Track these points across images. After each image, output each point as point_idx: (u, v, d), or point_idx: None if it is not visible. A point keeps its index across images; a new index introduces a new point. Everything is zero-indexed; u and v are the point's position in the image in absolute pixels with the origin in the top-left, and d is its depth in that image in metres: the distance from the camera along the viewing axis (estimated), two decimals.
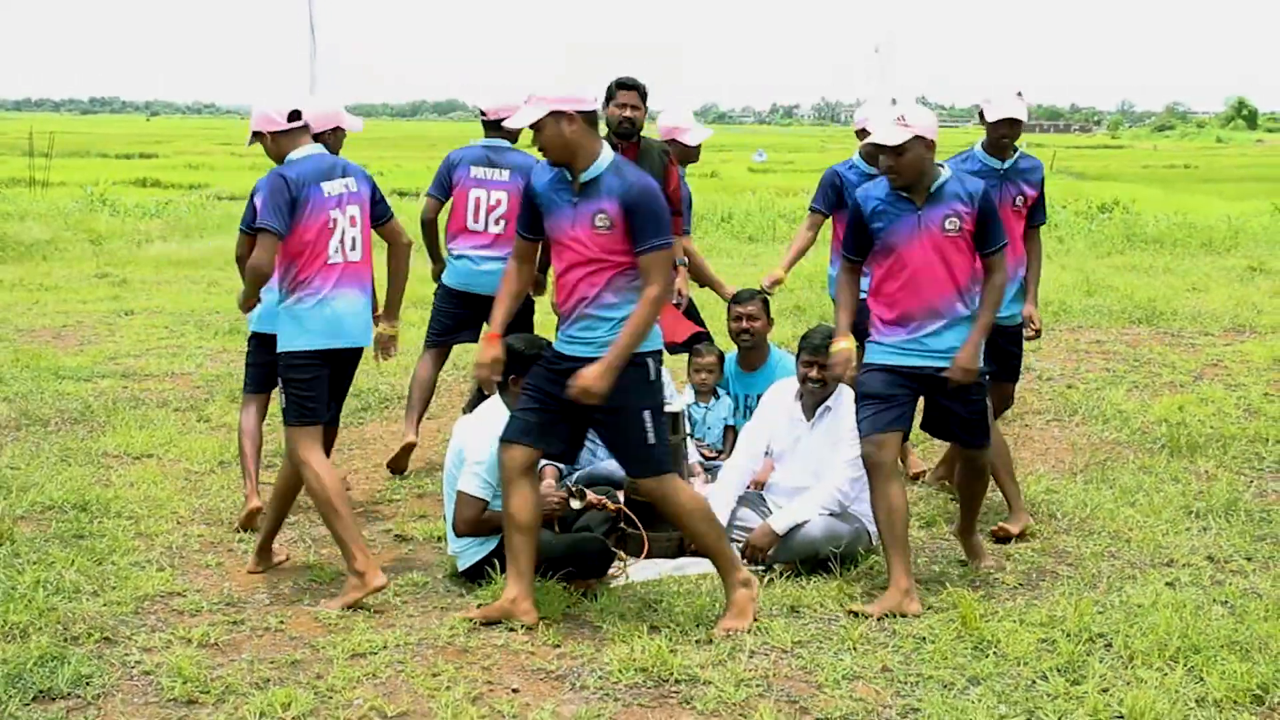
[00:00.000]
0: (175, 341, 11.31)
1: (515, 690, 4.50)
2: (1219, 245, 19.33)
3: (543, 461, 6.42)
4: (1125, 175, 42.68)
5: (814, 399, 6.09)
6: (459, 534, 5.52)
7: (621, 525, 5.97)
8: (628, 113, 7.13)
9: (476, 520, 5.46)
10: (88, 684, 4.44)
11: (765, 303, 7.11)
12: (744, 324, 7.07)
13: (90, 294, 14.14)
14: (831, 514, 5.83)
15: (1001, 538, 6.20)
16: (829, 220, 7.34)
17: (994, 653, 4.78)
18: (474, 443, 5.50)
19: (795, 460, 6.12)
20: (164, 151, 50.54)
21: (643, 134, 7.24)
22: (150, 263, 17.02)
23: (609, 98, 7.20)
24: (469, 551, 5.54)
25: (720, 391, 7.23)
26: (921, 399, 5.62)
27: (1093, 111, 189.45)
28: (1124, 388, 9.60)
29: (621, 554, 5.78)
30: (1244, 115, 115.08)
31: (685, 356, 7.43)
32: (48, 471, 7.03)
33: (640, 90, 7.18)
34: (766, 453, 6.23)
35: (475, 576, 5.52)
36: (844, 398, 6.04)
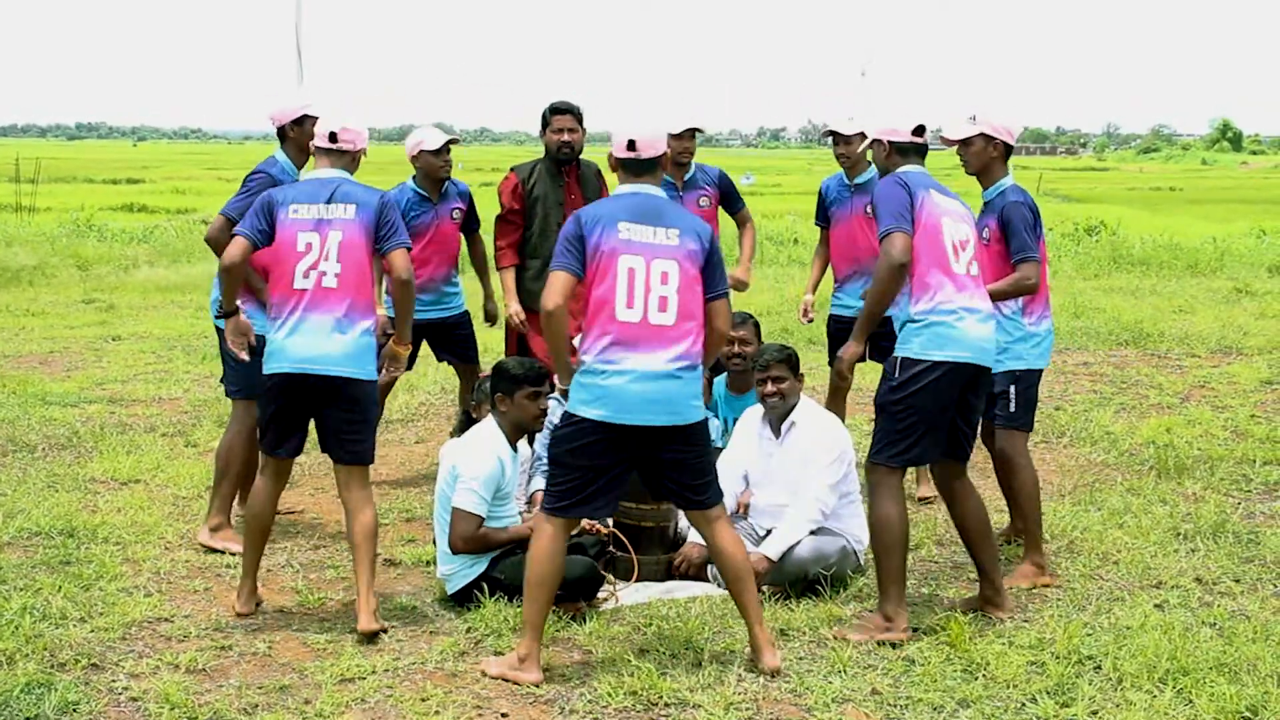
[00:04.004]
0: (162, 366, 11.30)
1: (504, 715, 4.49)
2: (1205, 267, 19.44)
3: (534, 487, 6.43)
4: (1111, 197, 42.86)
5: (777, 415, 6.13)
6: (455, 551, 5.52)
7: (610, 549, 5.96)
8: (565, 136, 7.15)
9: (472, 536, 5.46)
10: (75, 711, 4.42)
11: (756, 326, 7.12)
12: (735, 347, 7.06)
13: (77, 319, 14.13)
14: (815, 532, 5.82)
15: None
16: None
17: (983, 675, 4.78)
18: (466, 461, 5.53)
19: (772, 479, 6.13)
20: (150, 176, 50.60)
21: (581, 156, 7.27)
22: (137, 288, 17.02)
23: (544, 124, 7.21)
24: (458, 574, 5.53)
25: (709, 415, 7.21)
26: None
27: (1078, 134, 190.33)
28: (1112, 409, 9.63)
29: (611, 578, 5.77)
30: (1229, 137, 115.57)
31: None
32: (34, 497, 7.01)
33: (575, 113, 7.20)
34: (746, 480, 6.26)
35: (464, 600, 5.51)
36: (806, 411, 6.08)
